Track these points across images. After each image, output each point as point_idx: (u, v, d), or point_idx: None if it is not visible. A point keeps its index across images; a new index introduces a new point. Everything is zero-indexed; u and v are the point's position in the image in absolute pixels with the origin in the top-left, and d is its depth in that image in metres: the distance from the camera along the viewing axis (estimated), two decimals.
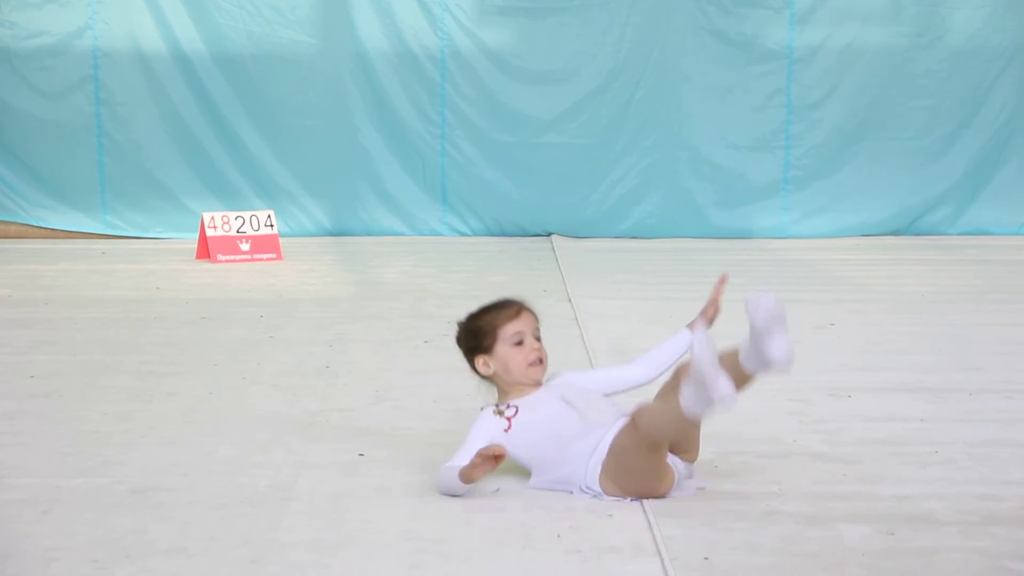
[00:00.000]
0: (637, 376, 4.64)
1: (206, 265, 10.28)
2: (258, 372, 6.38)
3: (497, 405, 4.52)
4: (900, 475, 4.65)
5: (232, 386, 6.08)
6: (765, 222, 12.56)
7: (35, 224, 12.32)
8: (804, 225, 12.56)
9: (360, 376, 6.30)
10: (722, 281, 4.69)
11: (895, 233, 12.56)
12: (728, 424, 4.89)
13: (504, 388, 4.56)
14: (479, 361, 4.55)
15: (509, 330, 4.51)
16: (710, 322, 4.61)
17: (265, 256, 10.60)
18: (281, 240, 10.88)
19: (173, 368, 6.47)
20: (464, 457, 4.34)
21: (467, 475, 4.26)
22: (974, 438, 5.14)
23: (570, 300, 8.51)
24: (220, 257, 10.43)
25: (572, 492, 4.39)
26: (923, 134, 12.58)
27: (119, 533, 4.03)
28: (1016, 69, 12.54)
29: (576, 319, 7.79)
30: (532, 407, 4.46)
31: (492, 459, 4.23)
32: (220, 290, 9.02)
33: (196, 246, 10.70)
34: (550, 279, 9.49)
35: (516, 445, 4.42)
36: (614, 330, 7.44)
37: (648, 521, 4.12)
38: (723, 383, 3.95)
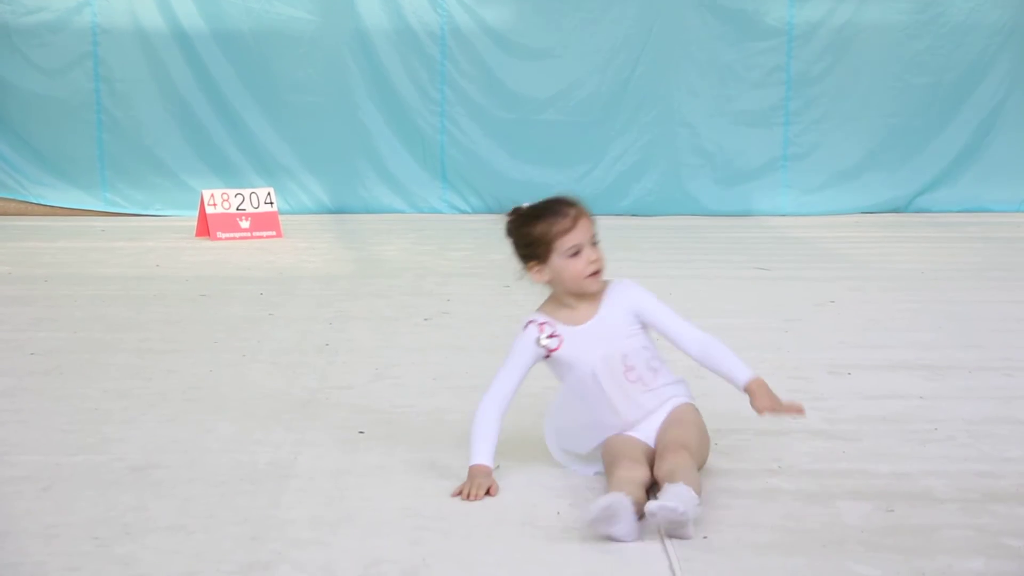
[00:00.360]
0: (687, 347, 4.37)
1: (206, 242, 10.28)
2: (258, 350, 6.38)
3: (541, 325, 4.36)
4: (899, 452, 4.65)
5: (232, 364, 6.08)
6: (764, 199, 12.56)
7: (35, 201, 12.34)
8: (803, 202, 12.57)
9: (360, 354, 6.29)
10: (797, 412, 4.29)
11: (895, 211, 12.56)
12: (727, 402, 4.89)
13: (557, 295, 4.39)
14: (532, 267, 4.33)
15: (565, 243, 4.26)
16: (758, 412, 4.28)
17: (265, 233, 10.60)
18: (281, 217, 10.88)
19: (173, 346, 6.47)
20: (507, 375, 4.35)
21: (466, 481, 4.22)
22: (973, 415, 5.14)
23: None
24: (220, 235, 10.42)
25: (575, 473, 4.38)
26: (922, 111, 12.59)
27: (119, 510, 4.03)
28: (1015, 45, 12.53)
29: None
30: (576, 345, 4.31)
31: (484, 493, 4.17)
32: (220, 267, 9.01)
33: (196, 223, 10.71)
34: None
35: (551, 370, 4.41)
36: None
37: (647, 499, 4.11)
38: (616, 530, 3.72)
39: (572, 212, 4.30)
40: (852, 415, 5.16)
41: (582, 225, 4.29)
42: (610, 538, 3.73)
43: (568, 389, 4.38)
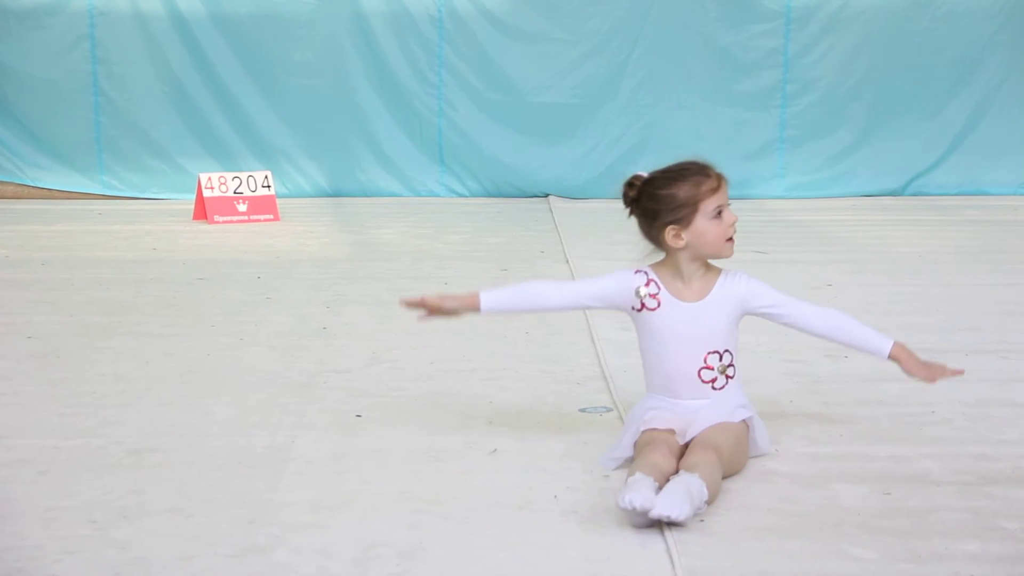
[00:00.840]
0: (811, 326, 4.30)
1: (203, 226, 10.27)
2: (255, 333, 6.38)
3: (649, 280, 4.27)
4: (896, 435, 4.65)
5: (229, 347, 6.08)
6: (761, 182, 12.53)
7: (31, 184, 12.30)
8: (800, 185, 12.55)
9: (357, 337, 6.30)
10: (955, 373, 4.33)
11: (892, 193, 12.53)
12: None
13: (676, 263, 4.25)
14: (670, 232, 4.18)
15: (711, 203, 4.16)
16: (928, 380, 4.29)
17: (262, 217, 10.58)
18: (278, 201, 10.86)
19: (170, 329, 6.47)
20: (582, 285, 4.40)
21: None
22: (970, 398, 5.15)
23: (568, 261, 8.50)
24: (217, 218, 10.41)
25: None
26: (919, 93, 12.54)
27: (117, 493, 4.04)
28: (1012, 27, 12.49)
29: (573, 280, 7.78)
30: (668, 319, 4.23)
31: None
32: (217, 251, 9.01)
33: (193, 207, 10.69)
34: (547, 240, 9.48)
35: (633, 323, 4.34)
36: None
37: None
38: (635, 497, 3.66)
39: (714, 175, 4.23)
40: (849, 398, 5.17)
41: (724, 187, 4.23)
42: (631, 507, 3.65)
43: (643, 351, 4.34)
